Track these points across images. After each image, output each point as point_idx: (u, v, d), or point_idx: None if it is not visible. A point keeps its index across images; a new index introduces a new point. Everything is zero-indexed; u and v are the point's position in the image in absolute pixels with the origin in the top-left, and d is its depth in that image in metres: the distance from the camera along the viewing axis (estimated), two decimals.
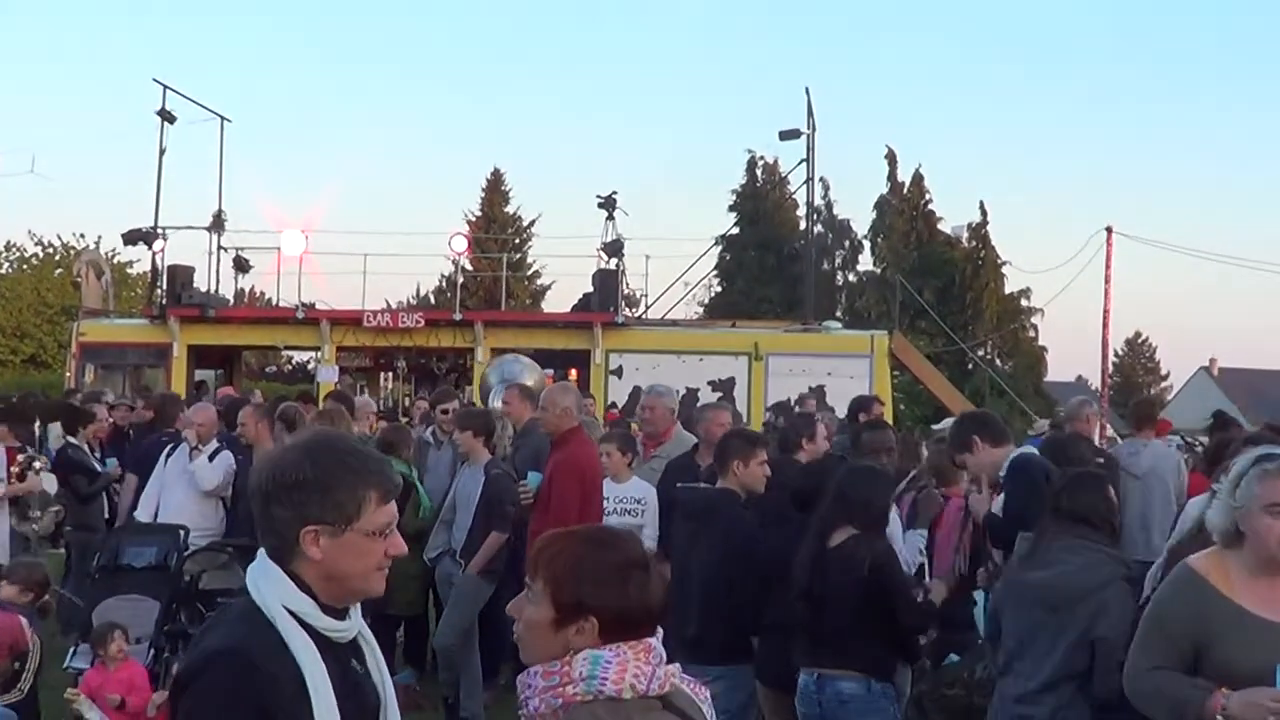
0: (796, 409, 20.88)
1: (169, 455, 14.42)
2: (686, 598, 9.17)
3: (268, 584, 3.76)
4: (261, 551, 3.83)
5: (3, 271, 65.86)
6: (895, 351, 31.92)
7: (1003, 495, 9.20)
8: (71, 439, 16.17)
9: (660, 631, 3.87)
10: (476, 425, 13.20)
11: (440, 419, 15.17)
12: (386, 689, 4.02)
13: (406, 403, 28.63)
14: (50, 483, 15.17)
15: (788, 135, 34.45)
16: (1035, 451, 9.74)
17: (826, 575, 8.40)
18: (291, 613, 3.72)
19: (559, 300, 58.71)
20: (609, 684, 3.65)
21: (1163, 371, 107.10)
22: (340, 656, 3.82)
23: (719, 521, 9.56)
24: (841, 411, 21.39)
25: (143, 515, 14.30)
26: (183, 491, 13.99)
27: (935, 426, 18.83)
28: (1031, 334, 71.40)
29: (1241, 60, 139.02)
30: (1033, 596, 7.34)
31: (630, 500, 12.58)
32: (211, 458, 13.96)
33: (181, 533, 13.32)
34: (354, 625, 3.92)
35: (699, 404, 17.01)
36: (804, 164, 34.77)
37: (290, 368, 36.44)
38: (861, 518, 8.50)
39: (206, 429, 14.21)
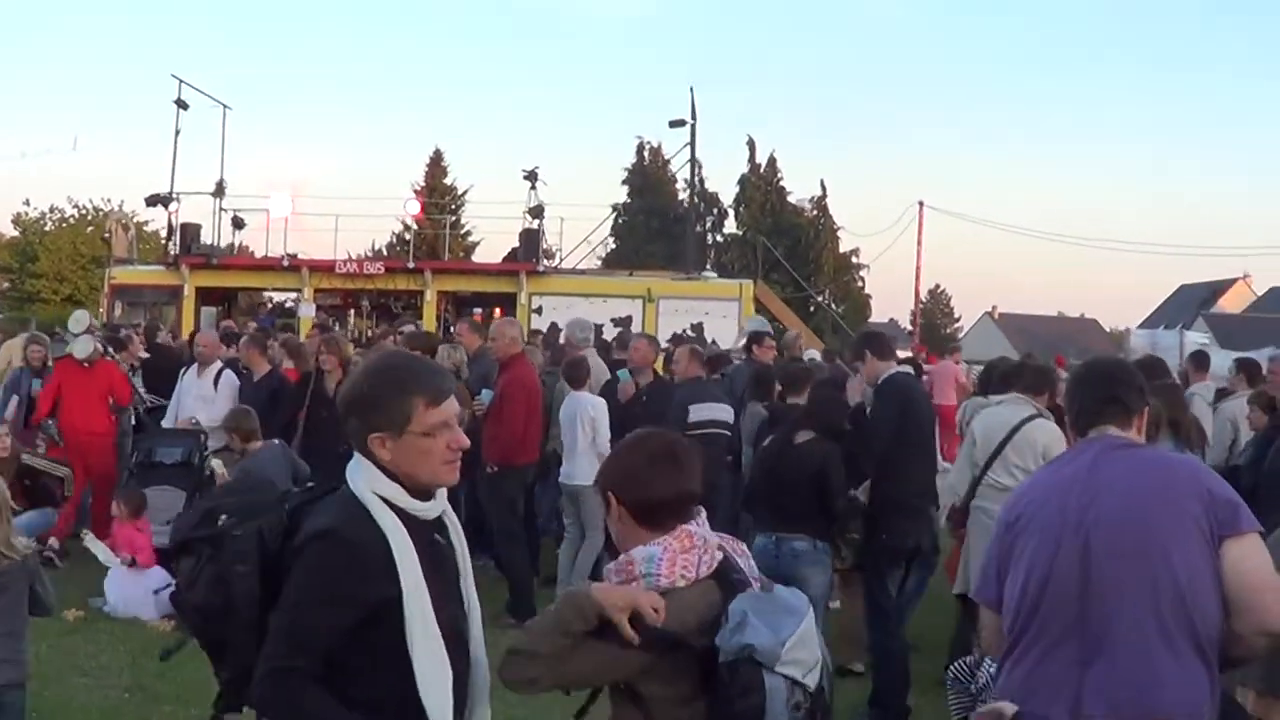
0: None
1: (183, 373, 14.31)
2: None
3: (360, 475, 3.70)
4: (356, 453, 3.75)
5: (48, 229, 65.05)
6: (758, 296, 31.77)
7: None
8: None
9: (701, 512, 3.80)
10: (420, 346, 13.05)
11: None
12: (464, 562, 3.94)
13: (369, 334, 28.30)
14: None
15: (676, 124, 34.26)
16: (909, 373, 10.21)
17: (789, 463, 9.22)
18: (382, 497, 3.66)
19: (484, 254, 58.39)
20: (663, 578, 3.62)
21: (956, 315, 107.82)
22: (425, 532, 3.74)
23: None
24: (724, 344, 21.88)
25: (167, 422, 14.16)
26: (192, 403, 13.85)
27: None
28: (860, 284, 71.87)
29: (1015, 66, 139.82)
30: None
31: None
32: (216, 378, 13.82)
33: (202, 435, 13.17)
34: (438, 505, 3.83)
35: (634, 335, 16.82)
36: (688, 147, 34.67)
37: (270, 306, 36.13)
38: (822, 427, 9.37)
39: (208, 351, 14.09)
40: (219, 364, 14.11)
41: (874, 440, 9.35)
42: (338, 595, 3.56)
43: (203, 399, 13.80)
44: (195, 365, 14.19)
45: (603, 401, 12.40)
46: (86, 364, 14.17)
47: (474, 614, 3.93)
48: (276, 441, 11.37)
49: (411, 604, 3.60)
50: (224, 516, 3.76)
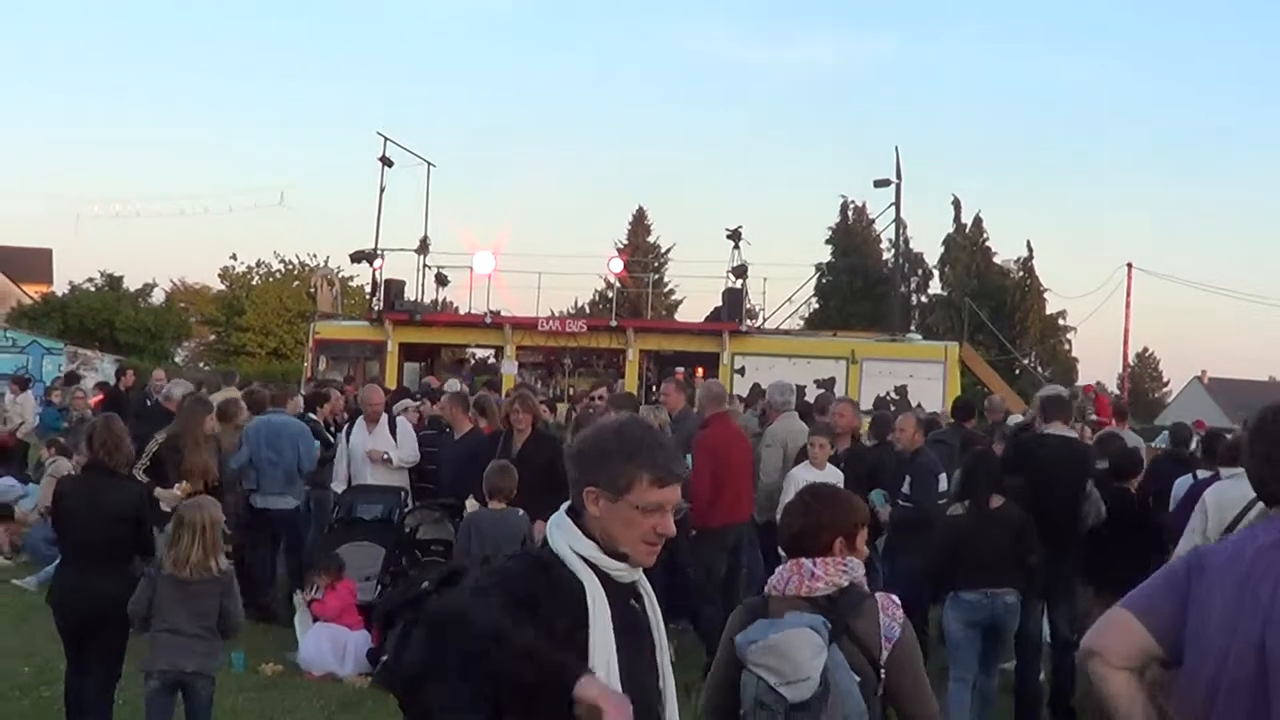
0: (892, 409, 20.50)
1: (346, 430, 14.34)
2: None
3: (559, 531, 3.68)
4: (561, 509, 3.75)
5: (254, 283, 66.54)
6: (964, 359, 31.37)
7: None
8: (312, 415, 16.00)
9: (828, 554, 4.78)
10: (623, 408, 12.94)
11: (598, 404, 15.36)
12: (659, 633, 3.83)
13: (571, 392, 28.34)
14: None
15: (881, 183, 34.10)
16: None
17: (993, 525, 9.79)
18: (580, 555, 3.62)
19: (686, 313, 58.70)
20: (765, 585, 4.86)
21: (1164, 380, 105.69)
22: (621, 595, 3.67)
23: None
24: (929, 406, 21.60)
25: (337, 481, 14.16)
26: (360, 460, 13.91)
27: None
28: (1066, 347, 70.87)
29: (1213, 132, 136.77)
30: None
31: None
32: (393, 429, 13.81)
33: (402, 492, 13.16)
34: (636, 571, 3.73)
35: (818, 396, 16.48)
36: (893, 207, 34.36)
37: (472, 362, 36.49)
38: (1007, 491, 10.05)
39: (377, 408, 14.04)
40: (385, 417, 14.17)
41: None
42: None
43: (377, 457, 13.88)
44: (361, 421, 14.15)
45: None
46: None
47: (669, 688, 3.82)
48: (521, 511, 10.79)
49: (597, 664, 3.50)
50: (425, 584, 3.74)
